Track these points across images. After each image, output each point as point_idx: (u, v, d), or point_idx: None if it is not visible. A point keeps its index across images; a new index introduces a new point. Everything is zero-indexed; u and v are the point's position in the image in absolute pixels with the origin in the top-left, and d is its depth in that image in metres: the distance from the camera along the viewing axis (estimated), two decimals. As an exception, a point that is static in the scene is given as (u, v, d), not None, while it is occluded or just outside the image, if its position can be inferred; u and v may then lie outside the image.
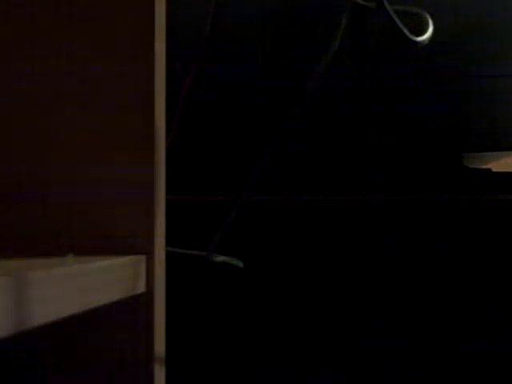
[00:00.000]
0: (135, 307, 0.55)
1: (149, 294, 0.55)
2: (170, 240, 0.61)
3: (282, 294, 1.11)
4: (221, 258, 0.75)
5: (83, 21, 0.57)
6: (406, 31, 0.64)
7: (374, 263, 1.10)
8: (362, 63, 1.10)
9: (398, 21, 0.63)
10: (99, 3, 0.56)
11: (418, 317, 1.09)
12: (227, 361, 1.11)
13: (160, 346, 0.56)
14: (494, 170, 1.06)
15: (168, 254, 0.59)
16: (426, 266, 1.09)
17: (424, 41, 0.73)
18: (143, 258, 0.55)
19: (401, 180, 1.09)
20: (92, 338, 0.56)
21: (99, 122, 0.56)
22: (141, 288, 0.54)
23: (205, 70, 1.07)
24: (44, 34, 0.57)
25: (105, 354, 0.55)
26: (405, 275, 1.09)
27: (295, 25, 1.12)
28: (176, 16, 1.10)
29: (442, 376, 1.09)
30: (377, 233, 1.10)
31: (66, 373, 0.56)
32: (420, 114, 1.10)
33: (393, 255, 1.09)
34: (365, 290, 1.10)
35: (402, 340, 1.09)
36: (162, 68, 0.58)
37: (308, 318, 1.10)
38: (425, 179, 1.09)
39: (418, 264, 1.09)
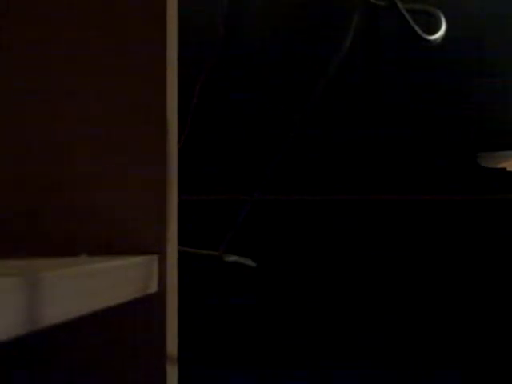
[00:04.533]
0: (147, 307, 0.55)
1: (161, 294, 0.55)
2: (182, 240, 0.61)
3: (294, 292, 1.10)
4: (233, 258, 0.75)
5: (95, 22, 0.57)
6: (418, 29, 0.64)
7: (383, 262, 1.09)
8: (374, 62, 1.10)
9: (410, 19, 0.63)
10: (110, 4, 0.57)
11: (419, 316, 1.09)
12: (239, 359, 1.11)
13: (172, 346, 0.56)
14: (508, 169, 1.05)
15: (180, 254, 0.59)
16: (432, 266, 1.09)
17: (437, 39, 0.72)
18: (155, 257, 0.55)
19: (412, 180, 1.09)
20: (104, 338, 0.56)
21: (112, 122, 0.57)
22: (153, 288, 0.55)
23: (218, 71, 1.08)
24: (51, 33, 0.58)
25: (117, 354, 0.55)
26: (409, 274, 1.09)
27: (308, 24, 1.12)
28: (189, 17, 1.10)
29: (441, 373, 1.08)
30: (389, 232, 1.09)
31: (79, 372, 0.56)
32: (432, 114, 1.10)
33: (397, 255, 1.09)
34: (370, 288, 1.09)
35: (403, 340, 1.09)
36: (175, 68, 0.58)
37: (319, 314, 1.10)
38: (436, 179, 1.09)
39: (423, 263, 1.09)
